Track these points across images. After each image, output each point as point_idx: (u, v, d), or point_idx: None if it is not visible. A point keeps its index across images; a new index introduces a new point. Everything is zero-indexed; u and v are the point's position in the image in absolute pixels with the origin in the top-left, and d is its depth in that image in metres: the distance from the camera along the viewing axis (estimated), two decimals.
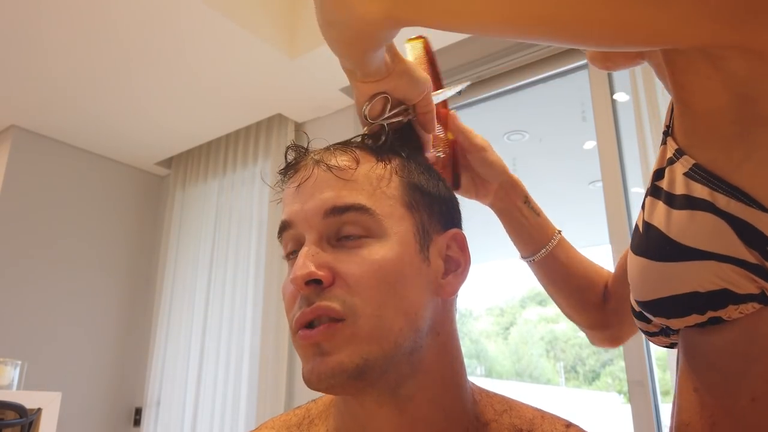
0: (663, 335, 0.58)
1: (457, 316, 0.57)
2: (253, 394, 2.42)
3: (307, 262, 0.48)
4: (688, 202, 0.45)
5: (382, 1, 0.43)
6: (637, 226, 0.52)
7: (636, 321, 0.59)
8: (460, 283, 0.54)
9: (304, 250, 0.50)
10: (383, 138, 0.57)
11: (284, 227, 0.53)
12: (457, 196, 0.62)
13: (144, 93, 2.53)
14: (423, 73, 0.61)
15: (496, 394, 0.57)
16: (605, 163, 1.85)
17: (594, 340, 0.81)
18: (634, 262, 0.51)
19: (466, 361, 0.56)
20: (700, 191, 0.45)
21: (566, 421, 0.54)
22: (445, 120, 0.70)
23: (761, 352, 0.44)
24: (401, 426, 0.50)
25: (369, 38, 0.48)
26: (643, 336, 1.69)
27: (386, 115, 0.57)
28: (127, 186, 3.22)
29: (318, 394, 0.53)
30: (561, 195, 3.32)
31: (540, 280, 0.79)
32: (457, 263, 0.54)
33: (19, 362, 2.19)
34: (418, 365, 0.50)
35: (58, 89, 2.50)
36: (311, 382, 0.48)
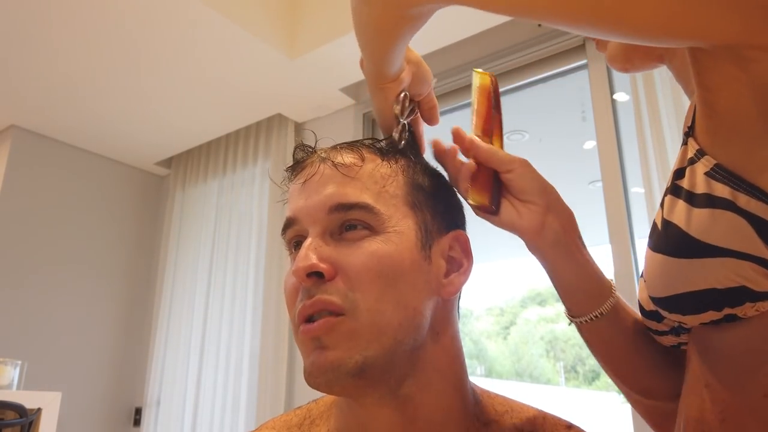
0: (673, 334, 0.58)
1: (458, 316, 0.57)
2: (253, 394, 2.42)
3: (310, 254, 0.49)
4: (709, 201, 0.46)
5: None
6: (655, 223, 0.53)
7: (645, 319, 0.59)
8: (461, 283, 0.54)
9: (307, 242, 0.50)
10: (406, 135, 0.59)
11: (288, 224, 0.54)
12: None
13: (144, 93, 2.53)
14: (427, 66, 0.63)
15: (497, 395, 0.57)
16: (605, 163, 1.85)
17: (669, 420, 0.61)
18: (653, 259, 0.52)
19: (466, 361, 0.56)
20: (721, 190, 0.45)
21: (567, 422, 0.54)
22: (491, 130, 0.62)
23: None
24: (403, 426, 0.50)
25: (406, 20, 0.49)
26: None
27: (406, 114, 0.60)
28: (127, 186, 3.22)
29: (319, 394, 0.53)
30: (561, 195, 3.31)
31: (609, 340, 0.61)
32: (459, 264, 0.55)
33: (19, 362, 2.19)
34: (419, 364, 0.51)
35: (58, 89, 2.50)
36: (312, 375, 0.48)
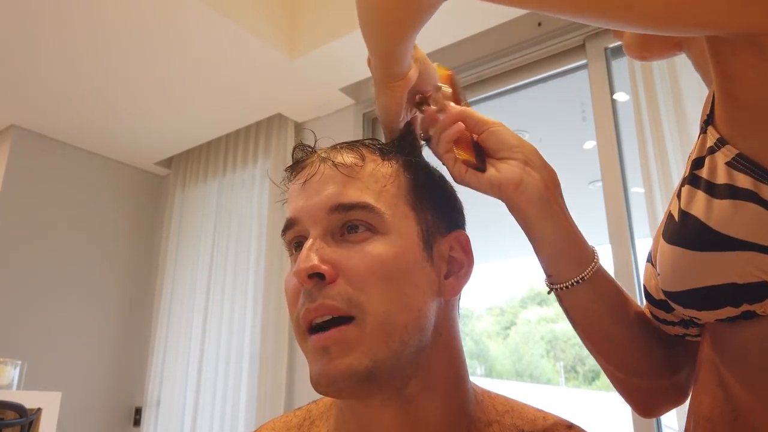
0: (681, 326, 0.57)
1: (458, 316, 0.57)
2: (253, 394, 2.42)
3: (311, 255, 0.48)
4: (730, 192, 0.45)
5: None
6: (671, 215, 0.51)
7: (652, 308, 0.58)
8: (462, 284, 0.54)
9: (308, 243, 0.50)
10: (410, 135, 0.60)
11: (289, 225, 0.54)
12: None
13: (144, 93, 2.53)
14: (432, 64, 0.64)
15: (498, 395, 0.57)
16: (605, 163, 1.85)
17: (651, 400, 0.64)
18: (668, 251, 0.50)
19: (467, 361, 0.56)
20: (743, 181, 0.44)
21: (568, 422, 0.54)
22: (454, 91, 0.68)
23: None
24: (404, 426, 0.50)
25: (416, 10, 0.48)
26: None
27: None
28: (127, 186, 3.22)
29: (320, 395, 0.53)
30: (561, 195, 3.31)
31: (589, 305, 0.59)
32: (460, 264, 0.55)
33: (19, 362, 2.19)
34: (422, 365, 0.51)
35: (58, 89, 2.50)
36: (319, 385, 0.48)
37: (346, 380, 0.46)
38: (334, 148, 0.55)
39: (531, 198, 0.57)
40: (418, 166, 0.56)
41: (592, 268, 0.58)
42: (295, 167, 0.56)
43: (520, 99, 2.33)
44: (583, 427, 0.54)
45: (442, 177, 0.58)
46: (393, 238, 0.50)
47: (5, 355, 2.26)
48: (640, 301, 0.65)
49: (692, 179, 0.49)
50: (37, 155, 2.85)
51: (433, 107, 0.62)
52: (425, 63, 0.62)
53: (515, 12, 2.00)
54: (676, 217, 0.50)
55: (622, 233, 1.75)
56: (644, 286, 0.60)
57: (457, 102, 0.66)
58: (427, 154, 0.62)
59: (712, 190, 0.46)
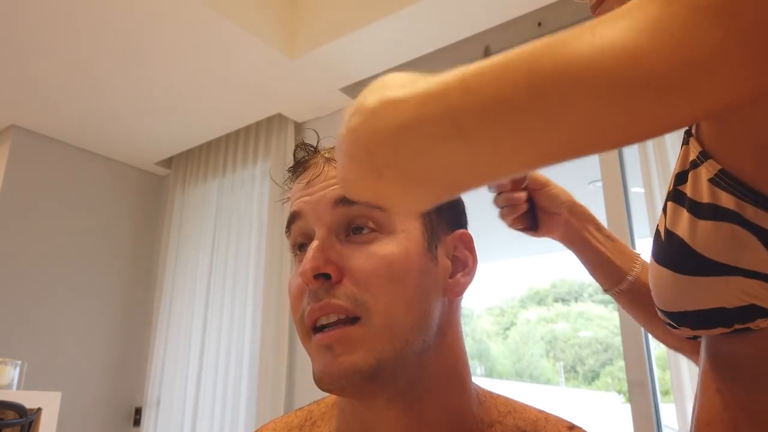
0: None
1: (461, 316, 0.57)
2: (253, 394, 2.42)
3: (317, 255, 0.48)
4: (714, 212, 0.43)
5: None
6: (658, 231, 0.50)
7: (657, 311, 0.59)
8: (467, 283, 0.54)
9: (313, 243, 0.49)
10: None
11: (293, 219, 0.53)
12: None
13: (144, 93, 2.52)
14: None
15: (500, 396, 0.57)
16: (605, 163, 1.85)
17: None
18: (657, 271, 0.49)
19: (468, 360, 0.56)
20: (726, 200, 0.43)
21: (569, 422, 0.54)
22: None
23: None
24: (407, 427, 0.50)
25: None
26: (643, 335, 1.68)
27: None
28: (127, 186, 3.21)
29: (321, 394, 0.53)
30: None
31: (629, 311, 0.74)
32: (464, 263, 0.54)
33: (19, 362, 2.19)
34: (426, 366, 0.50)
35: (58, 89, 2.50)
36: (322, 382, 0.48)
37: (350, 378, 0.46)
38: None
39: (573, 241, 0.74)
40: None
41: (629, 279, 0.71)
42: (298, 167, 0.55)
43: None
44: (584, 427, 0.54)
45: None
46: (398, 238, 0.50)
47: (5, 355, 2.26)
48: None
49: (676, 195, 0.48)
50: (37, 155, 2.85)
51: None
52: None
53: (515, 12, 2.00)
54: (662, 236, 0.49)
55: (622, 233, 1.75)
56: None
57: None
58: None
59: (697, 209, 0.45)
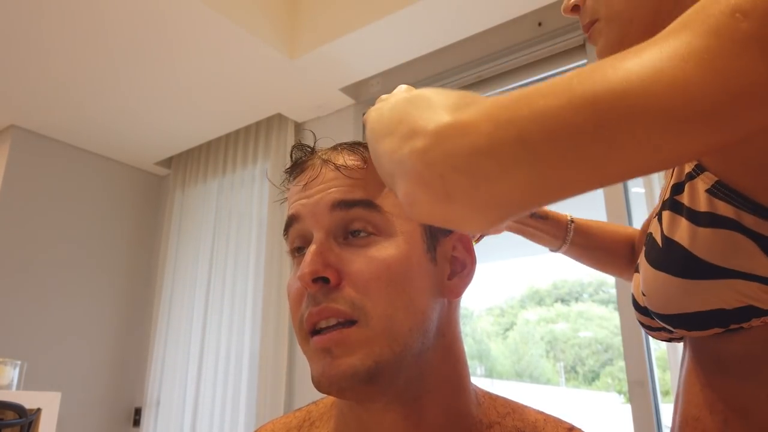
0: (666, 331, 0.58)
1: (459, 317, 0.57)
2: (253, 394, 2.42)
3: (315, 259, 0.48)
4: (713, 220, 0.45)
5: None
6: (653, 239, 0.52)
7: (638, 314, 0.59)
8: (465, 284, 0.54)
9: (312, 247, 0.49)
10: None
11: (291, 222, 0.53)
12: None
13: (144, 93, 2.52)
14: None
15: (499, 397, 0.57)
16: None
17: None
18: (654, 276, 0.51)
19: (467, 361, 0.56)
20: (725, 209, 0.44)
21: (569, 424, 0.54)
22: None
23: None
24: (406, 429, 0.50)
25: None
26: (643, 335, 1.71)
27: None
28: (127, 186, 3.21)
29: (321, 394, 0.53)
30: None
31: (574, 260, 0.87)
32: (462, 264, 0.54)
33: (19, 362, 2.19)
34: (424, 367, 0.50)
35: (58, 89, 2.50)
36: (321, 385, 0.47)
37: (348, 380, 0.46)
38: (334, 149, 0.54)
39: (510, 228, 0.82)
40: None
41: (567, 239, 0.83)
42: (296, 168, 0.55)
43: None
44: (583, 429, 0.54)
45: None
46: (396, 238, 0.50)
47: (5, 355, 2.26)
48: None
49: (673, 205, 0.49)
50: (37, 155, 2.85)
51: None
52: None
53: (515, 12, 2.00)
54: (660, 243, 0.50)
55: None
56: (632, 294, 0.61)
57: None
58: None
59: (695, 218, 0.46)
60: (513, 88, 2.14)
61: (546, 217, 0.82)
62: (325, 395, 0.57)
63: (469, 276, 0.54)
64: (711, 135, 0.33)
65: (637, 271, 0.61)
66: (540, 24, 2.03)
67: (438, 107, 0.38)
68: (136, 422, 2.94)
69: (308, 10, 2.31)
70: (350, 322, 0.47)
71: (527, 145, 0.34)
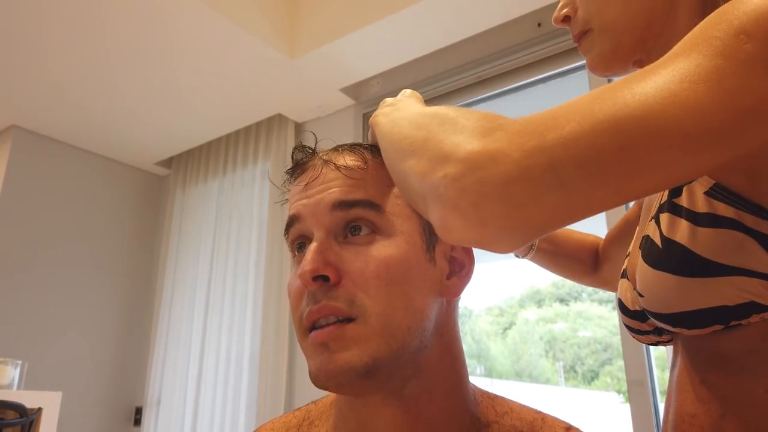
0: (654, 334, 0.58)
1: (458, 317, 0.57)
2: (253, 394, 2.42)
3: (316, 257, 0.48)
4: (713, 221, 0.46)
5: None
6: (651, 240, 0.52)
7: (626, 318, 0.60)
8: (464, 284, 0.54)
9: (312, 246, 0.50)
10: None
11: (291, 222, 0.53)
12: None
13: (144, 93, 2.53)
14: None
15: (497, 396, 0.57)
16: None
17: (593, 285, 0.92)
18: (654, 276, 0.51)
19: (467, 360, 0.57)
20: (724, 210, 0.45)
21: (566, 423, 0.54)
22: None
23: None
24: (404, 426, 0.50)
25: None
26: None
27: None
28: (127, 186, 3.22)
29: (320, 394, 0.53)
30: None
31: (540, 266, 0.89)
32: (461, 264, 0.55)
33: (20, 362, 2.19)
34: (423, 365, 0.51)
35: (58, 89, 2.50)
36: (319, 380, 0.48)
37: (345, 375, 0.46)
38: (335, 150, 0.55)
39: None
40: None
41: (528, 255, 0.85)
42: (297, 169, 0.55)
43: (520, 99, 2.33)
44: (581, 428, 0.54)
45: None
46: (396, 238, 0.50)
47: (5, 355, 2.26)
48: None
49: (671, 207, 0.50)
50: (37, 155, 2.85)
51: None
52: None
53: (515, 12, 2.00)
54: (659, 244, 0.51)
55: None
56: (619, 299, 0.61)
57: None
58: None
59: (695, 219, 0.48)
60: (513, 89, 2.14)
61: None
62: (325, 394, 0.58)
63: (467, 276, 0.55)
64: (721, 151, 0.35)
65: (623, 276, 0.61)
66: (540, 24, 2.04)
67: (465, 131, 0.40)
68: (137, 422, 2.95)
69: (308, 11, 2.31)
70: (349, 320, 0.48)
71: (557, 171, 0.36)
